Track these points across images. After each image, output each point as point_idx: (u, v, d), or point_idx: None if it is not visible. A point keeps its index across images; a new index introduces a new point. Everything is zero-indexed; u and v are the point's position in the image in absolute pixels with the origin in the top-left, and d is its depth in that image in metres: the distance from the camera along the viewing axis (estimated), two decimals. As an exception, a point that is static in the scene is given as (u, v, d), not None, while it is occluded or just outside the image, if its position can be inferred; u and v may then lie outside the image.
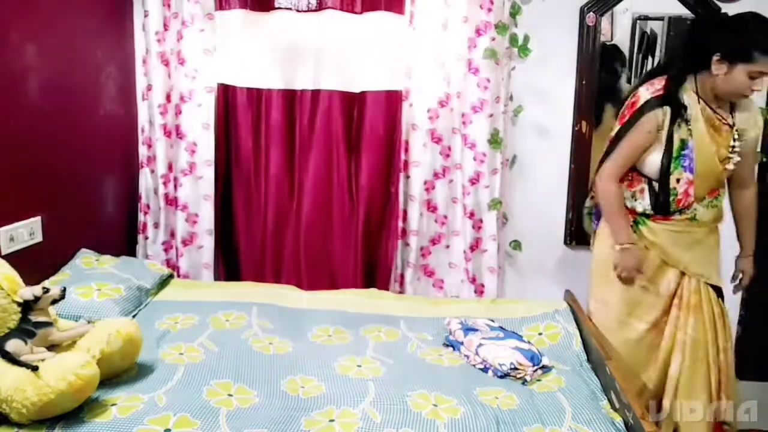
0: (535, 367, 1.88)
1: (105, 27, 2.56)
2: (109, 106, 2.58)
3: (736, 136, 2.01)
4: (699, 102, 1.99)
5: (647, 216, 2.07)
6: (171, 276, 2.51)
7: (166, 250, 2.76)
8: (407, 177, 2.63)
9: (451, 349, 2.04)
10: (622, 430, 1.59)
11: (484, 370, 1.90)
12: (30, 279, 1.74)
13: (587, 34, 2.56)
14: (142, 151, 2.73)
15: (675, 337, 2.07)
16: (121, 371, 1.72)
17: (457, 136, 2.59)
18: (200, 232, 2.72)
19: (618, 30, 2.66)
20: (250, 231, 2.74)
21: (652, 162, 2.02)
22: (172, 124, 2.66)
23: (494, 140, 2.56)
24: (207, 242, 2.72)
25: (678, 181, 2.00)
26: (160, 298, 2.30)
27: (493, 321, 2.14)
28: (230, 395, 1.66)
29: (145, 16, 2.60)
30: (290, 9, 2.58)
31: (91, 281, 2.13)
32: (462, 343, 2.01)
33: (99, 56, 2.50)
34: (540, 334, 2.14)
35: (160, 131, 2.65)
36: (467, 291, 2.67)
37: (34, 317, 1.62)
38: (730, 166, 2.02)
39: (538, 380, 1.86)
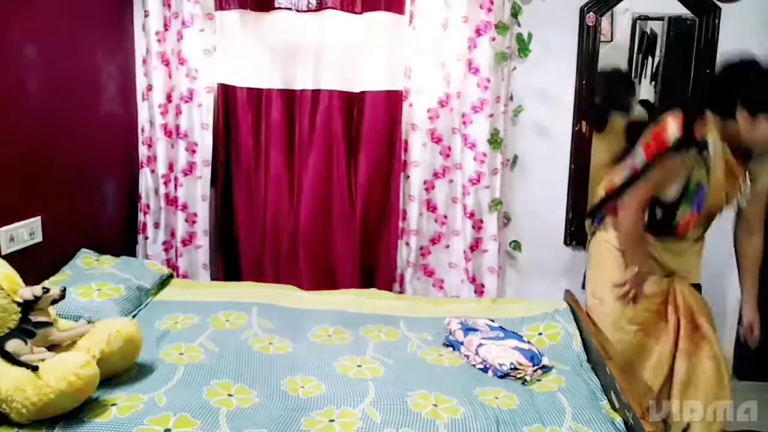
0: (535, 367, 1.87)
1: (105, 27, 2.56)
2: (110, 106, 2.58)
3: (748, 182, 1.98)
4: (721, 146, 1.94)
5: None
6: (171, 276, 2.51)
7: (166, 250, 2.76)
8: (407, 177, 2.63)
9: (451, 349, 2.04)
10: (622, 430, 1.58)
11: (484, 370, 1.90)
12: (30, 279, 1.74)
13: (587, 34, 2.56)
14: (143, 151, 2.73)
15: (678, 344, 2.09)
16: (121, 371, 1.72)
17: (457, 136, 2.59)
18: (199, 232, 2.72)
19: (618, 30, 2.66)
20: (251, 231, 2.74)
21: (665, 193, 2.01)
22: (172, 124, 2.67)
23: (494, 140, 2.56)
24: (205, 242, 2.72)
25: (683, 214, 2.01)
26: (160, 298, 2.30)
27: (493, 321, 2.14)
28: (230, 395, 1.66)
29: (145, 16, 2.60)
30: (290, 9, 2.59)
31: (91, 281, 2.13)
32: (462, 343, 2.01)
33: (99, 56, 2.50)
34: (540, 334, 2.14)
35: (161, 131, 2.65)
36: (467, 291, 2.67)
37: (34, 317, 1.62)
38: (740, 204, 2.02)
39: (538, 380, 1.86)
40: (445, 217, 2.67)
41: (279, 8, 2.59)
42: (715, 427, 2.06)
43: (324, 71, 2.59)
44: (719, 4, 2.48)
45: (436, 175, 2.63)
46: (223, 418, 1.56)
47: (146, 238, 2.75)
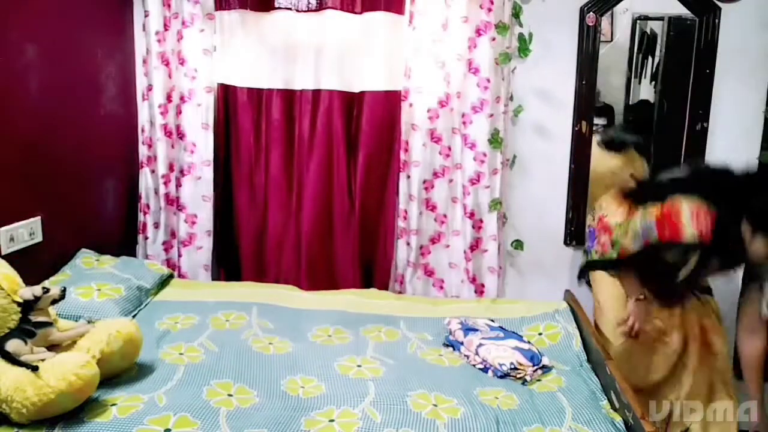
0: (535, 367, 1.87)
1: (105, 27, 2.56)
2: (109, 106, 2.58)
3: None
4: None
5: None
6: (171, 276, 2.51)
7: (166, 250, 2.76)
8: (407, 177, 2.63)
9: (451, 349, 2.04)
10: (622, 430, 1.59)
11: (484, 370, 1.90)
12: (30, 279, 1.74)
13: (587, 34, 2.56)
14: (143, 151, 2.73)
15: (689, 347, 2.09)
16: (121, 371, 1.72)
17: (457, 136, 2.59)
18: (199, 232, 2.72)
19: (618, 30, 2.66)
20: (251, 231, 2.74)
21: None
22: (172, 124, 2.66)
23: (494, 140, 2.56)
24: (206, 243, 2.72)
25: None
26: (160, 298, 2.30)
27: (493, 321, 2.14)
28: (230, 395, 1.66)
29: (145, 16, 2.60)
30: (290, 9, 2.59)
31: (91, 281, 2.13)
32: (462, 343, 2.01)
33: (99, 56, 2.50)
34: (540, 334, 2.14)
35: (161, 131, 2.65)
36: (467, 291, 2.67)
37: (34, 317, 1.62)
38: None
39: (538, 380, 1.86)
40: (445, 216, 2.67)
41: (279, 8, 2.59)
42: (716, 428, 2.06)
43: (324, 71, 2.59)
44: (719, 4, 2.48)
45: (435, 174, 2.63)
46: (223, 418, 1.56)
47: (146, 238, 2.74)
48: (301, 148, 2.66)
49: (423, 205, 2.66)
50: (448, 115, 2.57)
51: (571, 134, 2.66)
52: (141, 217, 2.75)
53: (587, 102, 2.62)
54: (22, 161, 2.10)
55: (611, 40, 2.65)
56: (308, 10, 2.58)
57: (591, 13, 2.54)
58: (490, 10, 2.46)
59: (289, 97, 2.64)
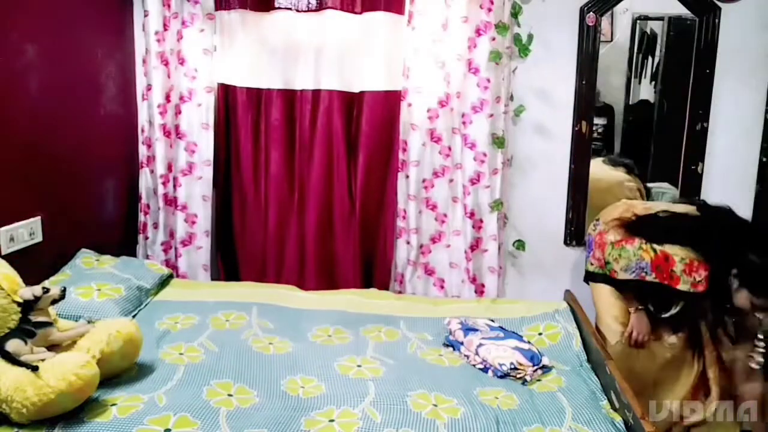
0: (535, 367, 1.87)
1: (105, 27, 2.56)
2: (109, 106, 2.58)
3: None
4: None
5: None
6: (171, 276, 2.51)
7: (165, 251, 2.76)
8: (406, 176, 2.63)
9: (451, 349, 2.04)
10: (622, 430, 1.59)
11: (484, 370, 1.90)
12: (30, 279, 1.74)
13: (587, 34, 2.56)
14: (142, 151, 2.73)
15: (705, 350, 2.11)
16: (121, 371, 1.72)
17: (457, 136, 2.59)
18: (199, 232, 2.72)
19: (618, 30, 2.66)
20: (251, 231, 2.74)
21: None
22: (171, 124, 2.66)
23: (495, 140, 2.56)
24: (205, 243, 2.72)
25: None
26: (160, 298, 2.30)
27: (493, 321, 2.14)
28: (230, 395, 1.66)
29: (145, 16, 2.59)
30: (290, 9, 2.59)
31: (91, 281, 2.13)
32: (462, 343, 2.01)
33: (99, 56, 2.50)
34: (540, 334, 2.14)
35: (160, 131, 2.65)
36: (468, 291, 2.67)
37: (34, 317, 1.62)
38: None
39: (538, 380, 1.86)
40: (445, 216, 2.67)
41: (279, 8, 2.59)
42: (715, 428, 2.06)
43: (324, 71, 2.59)
44: (719, 4, 2.48)
45: (435, 174, 2.63)
46: (223, 418, 1.56)
47: (146, 238, 2.75)
48: (301, 148, 2.66)
49: (423, 205, 2.66)
50: (448, 115, 2.57)
51: (571, 134, 2.66)
52: (141, 217, 2.75)
53: (587, 102, 2.62)
54: (22, 161, 2.10)
55: (611, 40, 2.65)
56: (308, 10, 2.58)
57: (591, 13, 2.54)
58: (490, 10, 2.46)
59: (289, 97, 2.65)
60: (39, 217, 2.18)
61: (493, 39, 2.49)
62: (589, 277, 2.19)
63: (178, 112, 2.65)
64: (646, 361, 2.12)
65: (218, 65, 2.64)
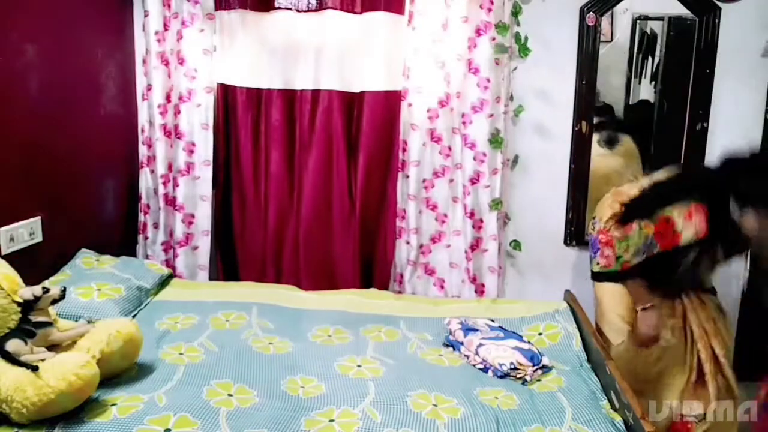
0: (535, 367, 1.87)
1: (105, 27, 2.56)
2: (109, 106, 2.58)
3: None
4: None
5: None
6: (171, 276, 2.51)
7: (165, 251, 2.76)
8: (406, 176, 2.63)
9: (451, 349, 2.04)
10: (622, 430, 1.58)
11: (484, 370, 1.90)
12: (30, 279, 1.74)
13: (587, 34, 2.56)
14: (142, 151, 2.73)
15: (697, 345, 2.09)
16: (121, 371, 1.72)
17: (457, 136, 2.59)
18: (197, 232, 2.72)
19: (618, 30, 2.66)
20: (250, 231, 2.74)
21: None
22: (171, 124, 2.66)
23: (495, 140, 2.56)
24: (203, 243, 2.71)
25: None
26: (160, 298, 2.30)
27: (493, 321, 2.14)
28: (230, 395, 1.66)
29: (145, 16, 2.59)
30: (290, 9, 2.59)
31: (91, 281, 2.13)
32: (462, 343, 2.01)
33: (99, 56, 2.50)
34: (540, 334, 2.13)
35: (160, 131, 2.65)
36: (468, 291, 2.67)
37: (34, 317, 1.62)
38: None
39: (538, 380, 1.86)
40: (446, 215, 2.67)
41: (279, 8, 2.59)
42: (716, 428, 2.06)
43: (324, 71, 2.59)
44: (719, 4, 2.48)
45: (436, 174, 2.63)
46: (223, 418, 1.56)
47: (146, 238, 2.75)
48: (301, 148, 2.66)
49: (423, 205, 2.66)
50: (448, 115, 2.57)
51: (571, 134, 2.66)
52: (141, 217, 2.75)
53: (587, 102, 2.62)
54: (22, 161, 2.10)
55: (611, 40, 2.65)
56: (308, 10, 2.58)
57: (591, 13, 2.54)
58: (490, 10, 2.46)
59: (289, 97, 2.65)
60: (39, 217, 2.18)
61: (493, 39, 2.49)
62: (597, 278, 2.14)
63: (177, 112, 2.65)
64: (647, 358, 2.11)
65: (218, 65, 2.64)
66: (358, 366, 1.87)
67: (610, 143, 2.76)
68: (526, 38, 2.54)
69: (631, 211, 2.04)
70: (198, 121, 2.65)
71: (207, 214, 2.71)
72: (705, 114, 2.56)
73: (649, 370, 2.12)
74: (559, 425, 1.60)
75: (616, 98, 2.83)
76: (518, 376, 1.85)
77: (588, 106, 2.62)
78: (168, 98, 2.65)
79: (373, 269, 2.75)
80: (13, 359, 1.51)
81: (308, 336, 2.08)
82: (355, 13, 2.55)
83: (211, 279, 2.76)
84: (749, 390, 2.11)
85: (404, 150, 2.62)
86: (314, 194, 2.67)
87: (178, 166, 2.67)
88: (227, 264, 2.80)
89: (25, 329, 1.59)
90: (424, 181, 2.63)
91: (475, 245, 2.65)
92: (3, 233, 2.01)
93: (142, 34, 2.66)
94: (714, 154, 2.57)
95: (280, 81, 2.63)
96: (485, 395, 1.73)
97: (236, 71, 2.64)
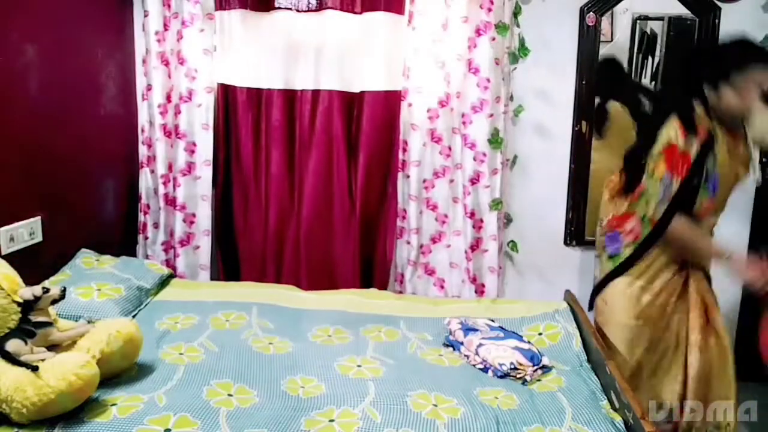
0: (535, 367, 1.87)
1: (105, 27, 2.56)
2: (109, 106, 2.58)
3: (755, 152, 1.94)
4: (714, 127, 1.94)
5: None
6: (171, 276, 2.51)
7: (165, 251, 2.76)
8: (407, 177, 2.63)
9: (451, 349, 2.04)
10: (622, 430, 1.58)
11: (484, 370, 1.90)
12: (30, 279, 1.74)
13: (587, 34, 2.56)
14: (142, 151, 2.73)
15: (688, 338, 2.08)
16: (121, 371, 1.72)
17: (457, 136, 2.59)
18: (197, 232, 2.72)
19: (618, 30, 2.66)
20: (250, 231, 2.74)
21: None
22: (171, 124, 2.67)
23: (494, 140, 2.57)
24: (204, 243, 2.72)
25: (701, 200, 1.98)
26: (160, 298, 2.30)
27: (493, 321, 2.14)
28: (230, 395, 1.66)
29: (145, 16, 2.60)
30: (290, 9, 2.59)
31: (91, 281, 2.13)
32: (462, 343, 2.01)
33: (99, 56, 2.50)
34: (540, 334, 2.13)
35: (160, 131, 2.65)
36: (468, 291, 2.67)
37: (34, 317, 1.62)
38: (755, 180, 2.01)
39: (538, 380, 1.85)
40: (446, 216, 2.67)
41: (279, 8, 2.59)
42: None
43: (324, 71, 2.60)
44: (719, 4, 2.49)
45: (436, 174, 2.63)
46: (223, 418, 1.56)
47: (146, 238, 2.75)
48: (301, 147, 2.66)
49: (423, 205, 2.66)
50: (448, 115, 2.57)
51: (571, 134, 2.66)
52: (141, 217, 2.75)
53: (587, 102, 2.62)
54: (22, 161, 2.10)
55: (611, 40, 2.65)
56: (308, 10, 2.58)
57: (591, 13, 2.54)
58: (490, 10, 2.46)
59: (289, 97, 2.65)
60: (39, 217, 2.18)
61: (493, 39, 2.49)
62: (629, 263, 2.09)
63: (178, 112, 2.65)
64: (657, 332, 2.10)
65: (218, 65, 2.64)
66: (358, 366, 1.87)
67: (600, 123, 2.70)
68: (522, 40, 2.54)
69: (630, 159, 2.04)
70: (198, 121, 2.65)
71: (207, 214, 2.71)
72: (705, 114, 2.56)
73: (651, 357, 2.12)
74: (559, 425, 1.60)
75: (616, 98, 2.83)
76: (518, 376, 1.85)
77: (588, 106, 2.62)
78: (168, 98, 2.65)
79: (373, 269, 2.76)
80: (13, 359, 1.51)
81: (308, 336, 2.08)
82: (355, 13, 2.55)
83: (212, 279, 2.76)
84: (748, 390, 2.12)
85: (404, 150, 2.62)
86: (314, 194, 2.67)
87: (179, 166, 2.67)
88: (228, 264, 2.80)
89: (25, 329, 1.59)
90: (424, 181, 2.63)
91: (475, 245, 2.66)
92: (3, 233, 2.01)
93: (142, 34, 2.66)
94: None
95: (281, 81, 2.63)
96: (485, 395, 1.73)
97: (236, 71, 2.64)
